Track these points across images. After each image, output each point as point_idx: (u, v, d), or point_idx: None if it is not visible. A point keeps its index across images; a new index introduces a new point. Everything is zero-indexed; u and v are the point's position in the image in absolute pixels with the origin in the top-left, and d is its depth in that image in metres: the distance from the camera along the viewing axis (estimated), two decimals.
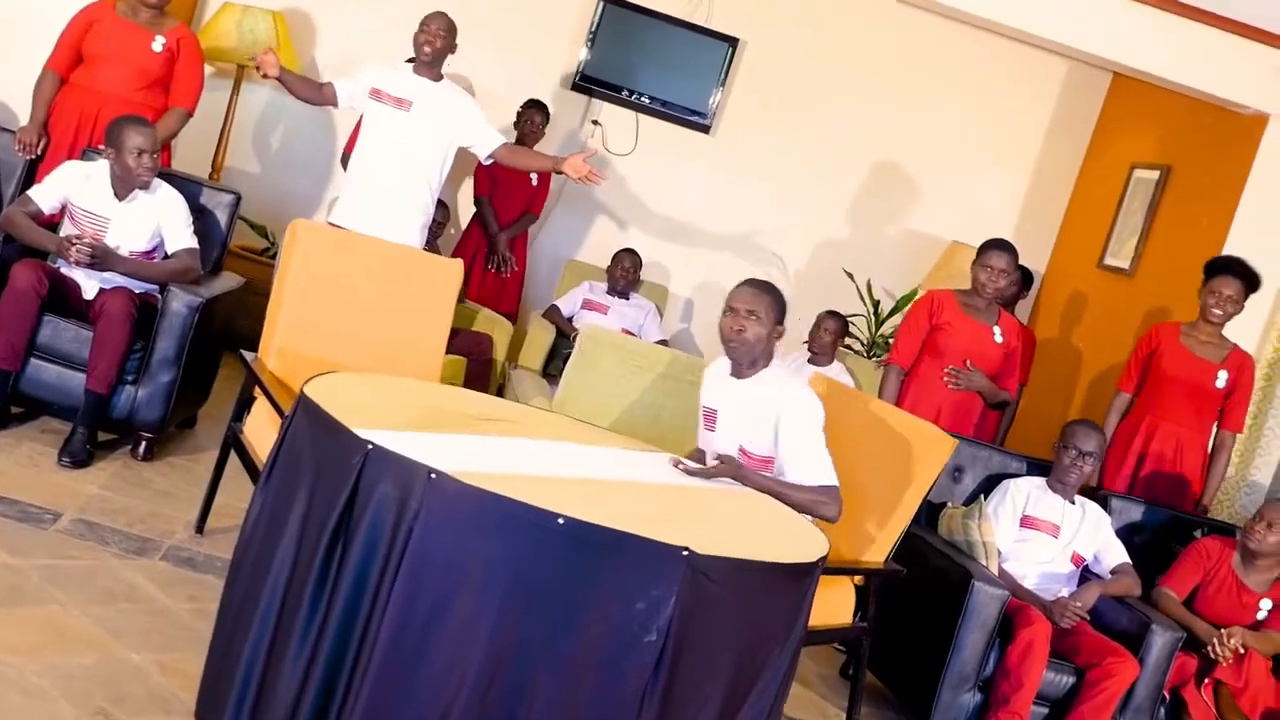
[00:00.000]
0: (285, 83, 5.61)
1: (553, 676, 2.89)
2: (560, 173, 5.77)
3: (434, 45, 5.63)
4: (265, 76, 5.52)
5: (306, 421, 3.24)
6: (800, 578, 3.17)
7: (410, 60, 5.81)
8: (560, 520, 2.86)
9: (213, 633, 3.34)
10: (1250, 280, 5.58)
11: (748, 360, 4.06)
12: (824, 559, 3.28)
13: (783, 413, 3.98)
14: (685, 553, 2.88)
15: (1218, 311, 5.56)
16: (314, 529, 3.05)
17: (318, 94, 5.72)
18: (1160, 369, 5.64)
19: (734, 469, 3.91)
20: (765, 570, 3.05)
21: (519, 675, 2.88)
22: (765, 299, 4.03)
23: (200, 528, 4.55)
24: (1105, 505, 5.23)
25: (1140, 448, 5.68)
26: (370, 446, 2.97)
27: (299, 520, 3.11)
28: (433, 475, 2.88)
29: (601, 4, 7.65)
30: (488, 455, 3.25)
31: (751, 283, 4.10)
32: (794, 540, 3.34)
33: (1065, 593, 4.85)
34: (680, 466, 3.83)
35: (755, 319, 4.00)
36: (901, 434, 4.48)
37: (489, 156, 5.82)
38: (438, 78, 5.71)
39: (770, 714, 3.23)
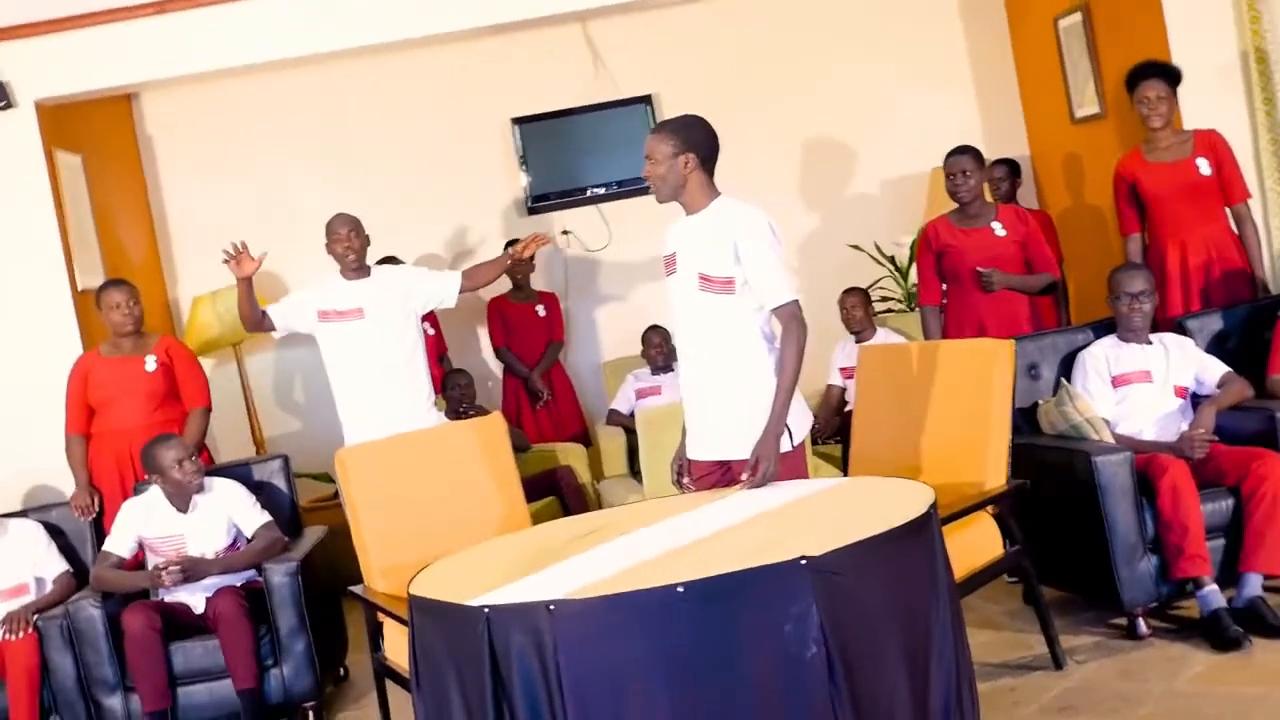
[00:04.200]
0: (245, 295, 5.64)
1: None
2: (515, 262, 5.92)
3: (354, 249, 5.67)
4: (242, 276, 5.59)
5: (425, 617, 3.35)
6: (919, 532, 3.22)
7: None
8: (680, 588, 2.94)
9: None
10: (1168, 73, 5.66)
11: (671, 196, 4.08)
12: (934, 505, 3.33)
13: (736, 232, 3.99)
14: (803, 561, 2.95)
15: (1155, 117, 5.60)
16: (477, 708, 3.14)
17: (260, 323, 5.73)
18: (1148, 194, 5.66)
19: (768, 451, 3.90)
20: (883, 541, 3.10)
21: None
22: (654, 138, 4.06)
23: None
24: (1181, 330, 5.24)
25: (1178, 269, 5.65)
26: (487, 610, 3.07)
27: (461, 708, 3.20)
28: (551, 607, 2.98)
29: (515, 127, 7.84)
30: (595, 567, 3.33)
31: (652, 129, 4.16)
32: (899, 502, 3.39)
33: (1185, 428, 4.85)
34: (742, 486, 3.91)
35: (652, 161, 4.03)
36: (962, 360, 4.54)
37: (457, 295, 5.85)
38: (368, 272, 5.75)
39: (958, 666, 3.27)
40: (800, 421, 4.05)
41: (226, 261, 5.60)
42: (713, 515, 3.69)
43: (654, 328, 7.29)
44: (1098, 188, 7.31)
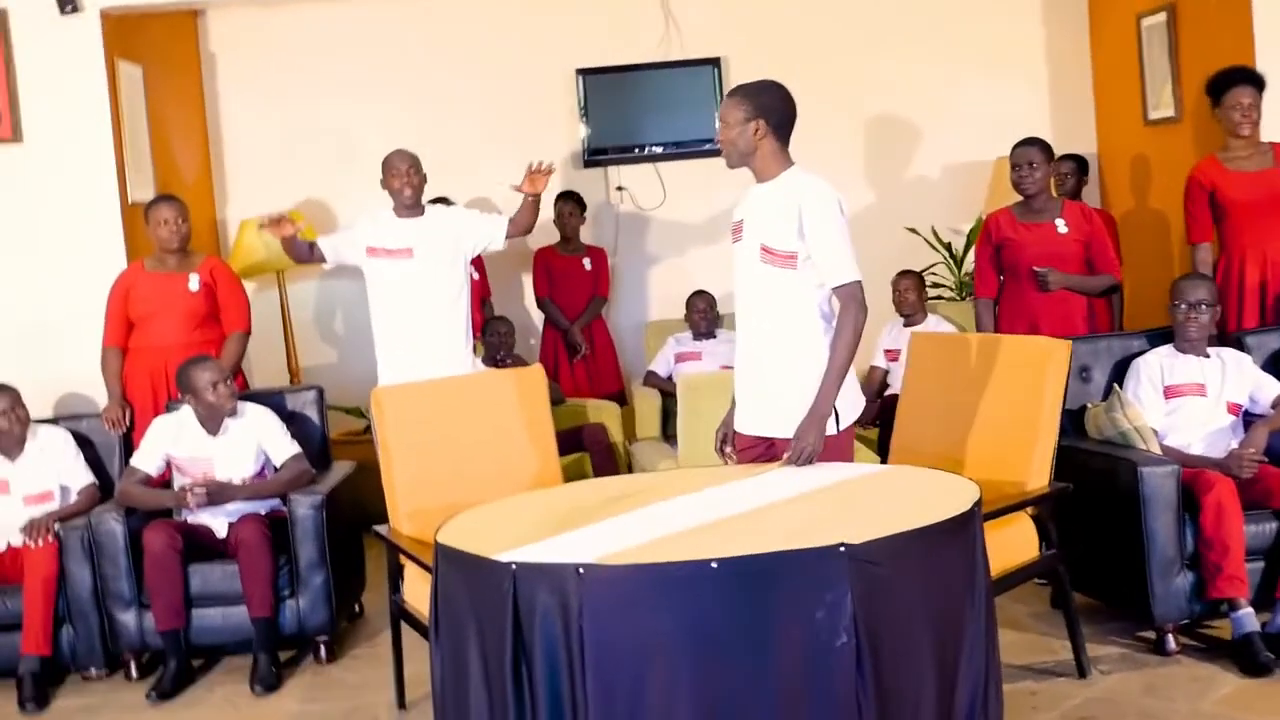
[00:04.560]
0: (289, 247, 5.63)
1: (766, 713, 2.91)
2: (532, 195, 5.72)
3: (413, 185, 5.62)
4: (283, 237, 5.55)
5: (450, 567, 3.30)
6: (962, 529, 3.15)
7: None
8: (714, 564, 2.88)
9: None
10: (1259, 80, 5.54)
11: (740, 162, 4.00)
12: (979, 503, 3.26)
13: (803, 205, 3.89)
14: (842, 548, 2.88)
15: (1247, 124, 5.48)
16: (495, 664, 3.10)
17: (309, 256, 5.70)
18: (1230, 203, 5.50)
19: (810, 432, 3.82)
20: (925, 535, 3.04)
21: None
22: (728, 101, 3.99)
23: (402, 704, 4.61)
24: (1240, 346, 5.13)
25: (1257, 282, 5.51)
26: (514, 566, 3.01)
27: (479, 661, 3.16)
28: (581, 570, 2.92)
29: (580, 78, 7.74)
30: (627, 533, 3.27)
31: (728, 92, 4.07)
32: (943, 496, 3.32)
33: (1234, 445, 4.75)
34: (783, 464, 3.84)
35: (724, 124, 3.96)
36: (1016, 357, 4.44)
37: (504, 238, 5.81)
38: (421, 211, 5.71)
39: (988, 669, 3.20)
40: (850, 405, 3.97)
41: (263, 227, 5.57)
42: (752, 491, 3.62)
43: (700, 293, 7.21)
44: (1164, 192, 7.18)
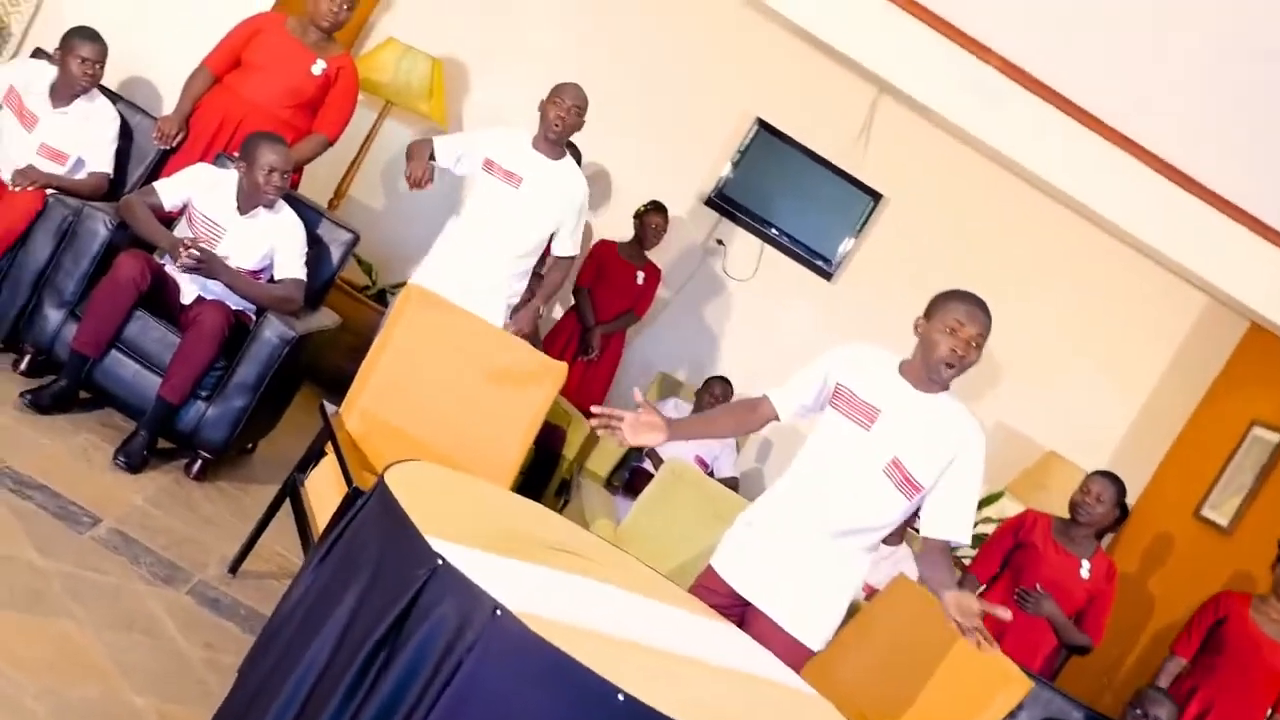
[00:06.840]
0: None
1: None
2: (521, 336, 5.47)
3: (565, 122, 5.33)
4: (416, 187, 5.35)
5: (379, 511, 3.05)
6: None
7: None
8: (620, 697, 2.64)
9: (225, 700, 3.15)
10: None
11: (952, 376, 3.62)
12: None
13: (963, 452, 3.58)
14: None
15: None
16: (361, 628, 2.85)
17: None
18: (1226, 642, 5.32)
19: None
20: None
21: None
22: (988, 323, 3.60)
23: (235, 569, 4.36)
24: None
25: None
26: (440, 561, 2.77)
27: (348, 613, 2.92)
28: (498, 612, 2.68)
29: (756, 127, 7.52)
30: (555, 595, 3.03)
31: (973, 299, 3.61)
32: None
33: None
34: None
35: (977, 348, 3.58)
36: (977, 661, 4.20)
37: (552, 257, 5.66)
38: (559, 155, 5.44)
39: None
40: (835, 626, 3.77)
41: (408, 179, 5.36)
42: (695, 634, 3.36)
43: (722, 380, 7.03)
44: (1166, 583, 7.02)
